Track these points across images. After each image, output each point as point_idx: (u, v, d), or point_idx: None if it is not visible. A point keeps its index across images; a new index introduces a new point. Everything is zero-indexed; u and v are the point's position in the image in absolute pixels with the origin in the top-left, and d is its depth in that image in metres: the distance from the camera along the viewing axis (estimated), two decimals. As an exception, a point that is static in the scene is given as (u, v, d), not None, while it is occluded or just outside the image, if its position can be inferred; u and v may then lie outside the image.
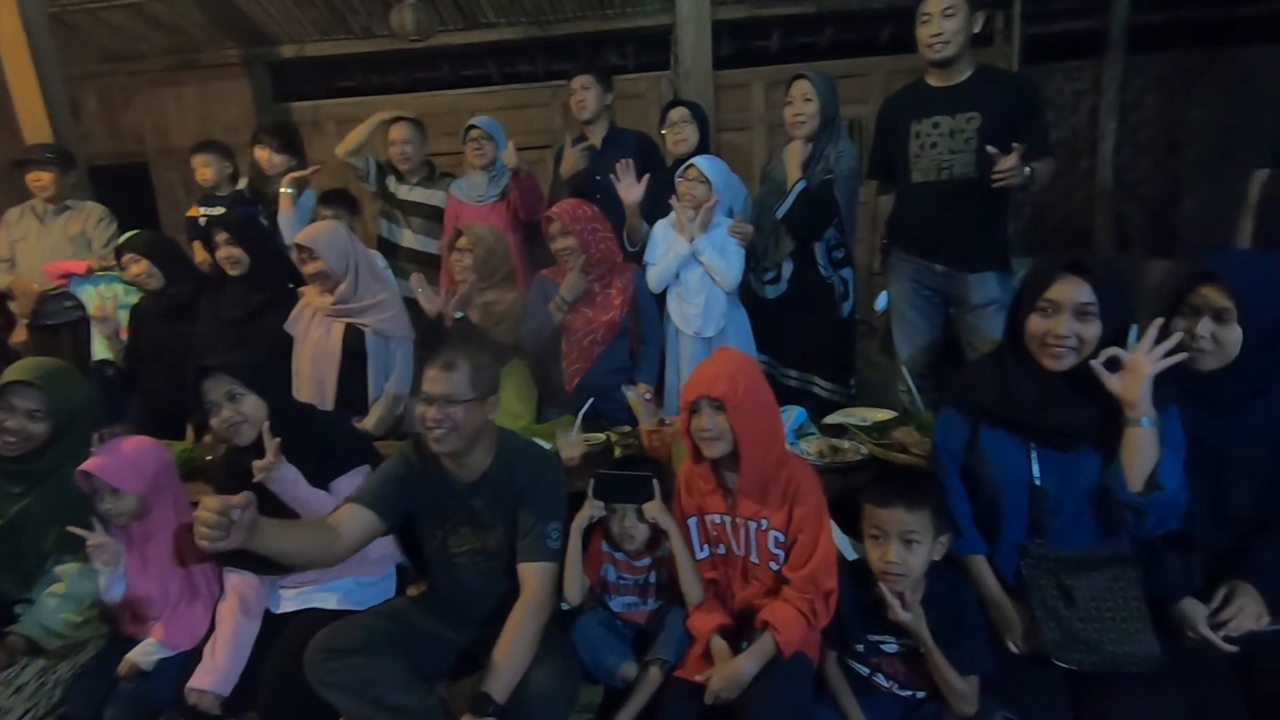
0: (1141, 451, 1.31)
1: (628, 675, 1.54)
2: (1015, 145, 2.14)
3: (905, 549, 1.35)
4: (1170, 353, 1.32)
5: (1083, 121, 4.92)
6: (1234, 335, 1.36)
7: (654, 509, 1.59)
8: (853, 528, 1.62)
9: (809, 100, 2.46)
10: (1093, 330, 1.34)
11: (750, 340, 2.61)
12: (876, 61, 4.72)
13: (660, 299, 2.57)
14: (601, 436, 2.19)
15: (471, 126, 3.01)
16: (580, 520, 1.62)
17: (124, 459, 1.71)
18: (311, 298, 2.29)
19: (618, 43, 5.00)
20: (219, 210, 3.06)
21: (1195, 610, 1.39)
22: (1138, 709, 1.31)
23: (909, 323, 2.54)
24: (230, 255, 2.31)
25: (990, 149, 2.17)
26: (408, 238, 3.20)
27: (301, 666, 1.50)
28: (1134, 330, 1.43)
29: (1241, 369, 1.38)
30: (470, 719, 1.39)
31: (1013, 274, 2.40)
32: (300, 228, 2.60)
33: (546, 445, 2.10)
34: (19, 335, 2.97)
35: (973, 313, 2.39)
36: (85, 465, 1.67)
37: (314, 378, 2.31)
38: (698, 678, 1.44)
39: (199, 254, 2.91)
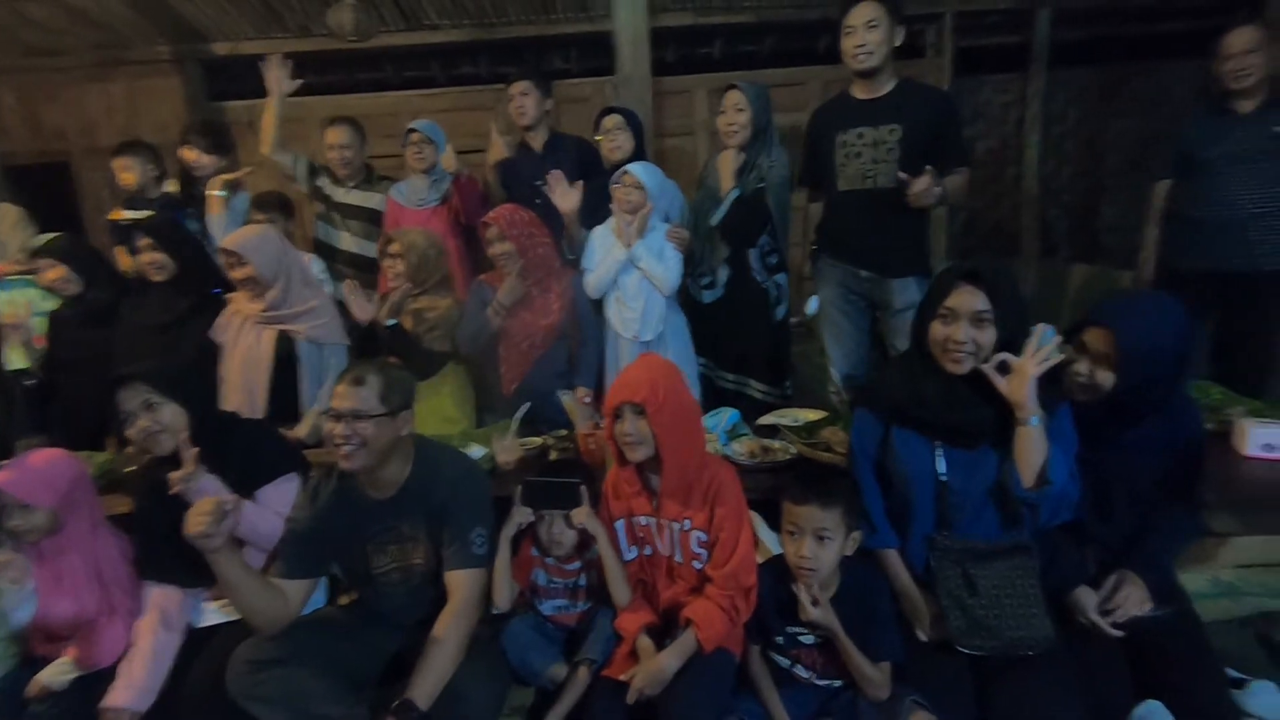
0: (1031, 449, 1.39)
1: (556, 676, 1.55)
2: (928, 168, 2.24)
3: (818, 544, 1.41)
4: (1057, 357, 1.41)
5: (1011, 131, 5.14)
6: (1107, 380, 1.48)
7: (582, 515, 1.61)
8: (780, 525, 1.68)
9: (741, 110, 2.52)
10: (988, 336, 1.42)
11: (688, 344, 2.66)
12: (814, 70, 4.83)
13: (599, 303, 2.59)
14: (538, 440, 2.21)
15: (411, 130, 2.98)
16: (509, 528, 1.63)
17: (33, 472, 1.65)
18: (240, 304, 2.24)
19: (562, 47, 5.01)
20: (144, 214, 2.97)
21: (1087, 598, 1.49)
22: (1033, 687, 1.39)
23: (837, 326, 2.62)
24: (153, 260, 2.24)
25: (901, 175, 2.27)
26: (346, 241, 3.15)
27: (224, 680, 1.48)
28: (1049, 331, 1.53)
29: (1112, 408, 1.50)
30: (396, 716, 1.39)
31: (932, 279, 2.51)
32: (232, 231, 2.54)
33: (483, 450, 2.12)
34: None
35: (895, 316, 2.48)
36: None
37: (244, 386, 2.26)
38: (622, 676, 1.47)
39: (122, 259, 2.82)
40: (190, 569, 1.65)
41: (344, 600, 1.82)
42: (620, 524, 1.67)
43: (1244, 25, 2.53)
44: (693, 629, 1.48)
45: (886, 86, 2.43)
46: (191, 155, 2.94)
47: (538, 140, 3.07)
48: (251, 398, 2.26)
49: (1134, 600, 1.47)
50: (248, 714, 1.47)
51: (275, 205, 3.05)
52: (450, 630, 1.50)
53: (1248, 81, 2.52)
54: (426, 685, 1.43)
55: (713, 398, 2.70)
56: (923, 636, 1.49)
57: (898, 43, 2.40)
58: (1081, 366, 1.50)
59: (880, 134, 2.42)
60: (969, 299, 1.41)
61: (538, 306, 2.42)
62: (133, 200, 3.07)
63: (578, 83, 4.95)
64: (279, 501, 1.69)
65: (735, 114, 2.53)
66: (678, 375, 1.59)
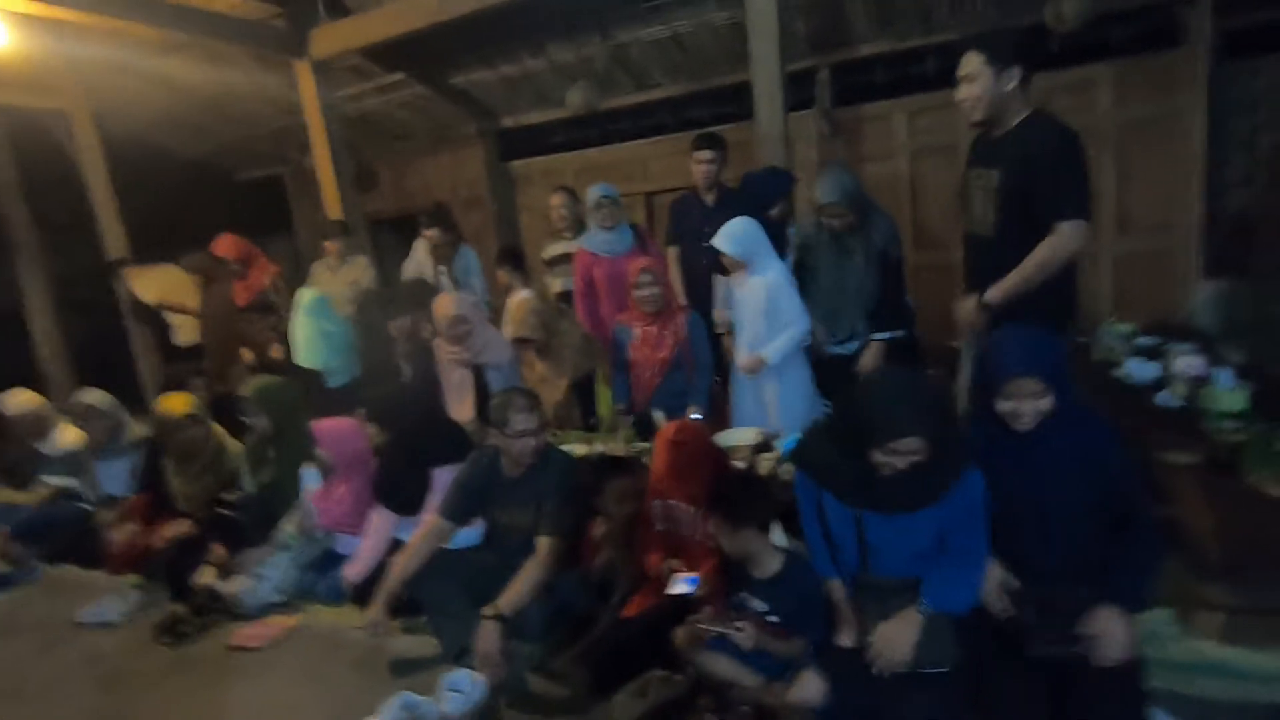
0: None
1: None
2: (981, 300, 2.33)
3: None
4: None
5: (1308, 120, 4.23)
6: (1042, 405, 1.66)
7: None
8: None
9: (843, 215, 2.83)
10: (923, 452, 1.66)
11: (805, 380, 3.04)
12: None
13: (715, 338, 3.14)
14: (645, 445, 2.86)
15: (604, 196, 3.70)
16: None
17: (332, 431, 2.85)
18: (442, 351, 3.30)
19: (770, 86, 5.45)
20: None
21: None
22: (923, 701, 1.66)
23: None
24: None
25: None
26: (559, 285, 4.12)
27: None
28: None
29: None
30: (489, 620, 2.16)
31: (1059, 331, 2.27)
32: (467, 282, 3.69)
33: (602, 447, 2.86)
34: (276, 351, 4.33)
35: None
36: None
37: (459, 403, 3.33)
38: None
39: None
40: (402, 506, 2.67)
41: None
42: (658, 503, 2.28)
43: None
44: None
45: (1009, 125, 2.30)
46: (433, 234, 4.10)
47: (711, 197, 3.62)
48: (464, 410, 3.30)
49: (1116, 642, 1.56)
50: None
51: (510, 258, 4.11)
52: (530, 574, 2.26)
53: None
54: (508, 600, 2.20)
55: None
56: (844, 643, 1.80)
57: (1009, 86, 2.25)
58: (1026, 405, 1.66)
59: (987, 177, 2.35)
60: (911, 445, 1.64)
61: (656, 342, 3.05)
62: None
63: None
64: (445, 479, 2.61)
65: (841, 212, 2.84)
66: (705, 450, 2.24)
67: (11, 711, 2.35)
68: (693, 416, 3.03)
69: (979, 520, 1.70)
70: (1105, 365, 3.22)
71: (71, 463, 3.58)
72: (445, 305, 3.16)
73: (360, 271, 4.56)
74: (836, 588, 1.87)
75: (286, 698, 2.26)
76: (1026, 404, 1.66)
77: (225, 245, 4.35)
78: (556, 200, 4.12)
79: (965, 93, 2.31)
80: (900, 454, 1.63)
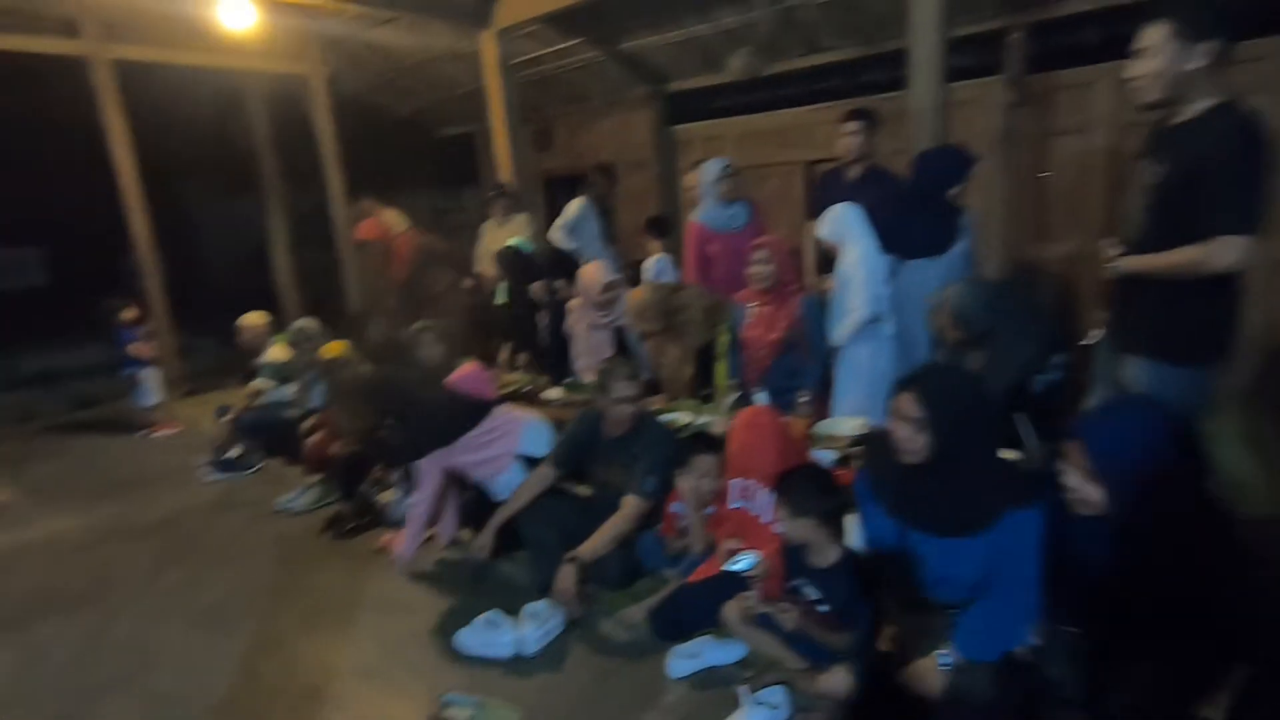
0: None
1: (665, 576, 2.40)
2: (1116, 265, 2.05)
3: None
4: None
5: None
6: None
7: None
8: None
9: (956, 328, 2.54)
10: (923, 438, 1.62)
11: (864, 366, 2.96)
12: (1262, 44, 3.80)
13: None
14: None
15: (727, 165, 3.75)
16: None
17: (475, 374, 3.22)
18: (585, 315, 3.53)
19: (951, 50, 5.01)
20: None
21: None
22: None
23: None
24: None
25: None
26: None
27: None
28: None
29: None
30: (568, 562, 2.42)
31: (1183, 367, 1.99)
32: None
33: (708, 418, 2.99)
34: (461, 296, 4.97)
35: None
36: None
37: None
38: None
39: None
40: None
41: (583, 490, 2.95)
42: (735, 482, 2.39)
43: None
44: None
45: (1188, 113, 1.95)
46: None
47: (854, 171, 3.51)
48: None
49: None
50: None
51: (654, 226, 4.27)
52: (612, 528, 2.48)
53: None
54: (588, 550, 2.44)
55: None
56: (885, 647, 1.80)
57: (1194, 65, 1.88)
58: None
59: (1149, 175, 2.02)
60: (906, 404, 1.63)
61: (769, 323, 3.06)
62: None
63: (962, 85, 4.91)
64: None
65: (950, 328, 2.53)
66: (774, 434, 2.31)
67: (219, 568, 3.04)
68: (800, 401, 3.05)
69: (1030, 561, 1.61)
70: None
71: (278, 374, 4.36)
72: (595, 273, 3.42)
73: (521, 229, 4.97)
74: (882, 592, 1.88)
75: (407, 597, 2.71)
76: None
77: (366, 230, 4.98)
78: (690, 179, 4.19)
79: (1137, 69, 1.97)
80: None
